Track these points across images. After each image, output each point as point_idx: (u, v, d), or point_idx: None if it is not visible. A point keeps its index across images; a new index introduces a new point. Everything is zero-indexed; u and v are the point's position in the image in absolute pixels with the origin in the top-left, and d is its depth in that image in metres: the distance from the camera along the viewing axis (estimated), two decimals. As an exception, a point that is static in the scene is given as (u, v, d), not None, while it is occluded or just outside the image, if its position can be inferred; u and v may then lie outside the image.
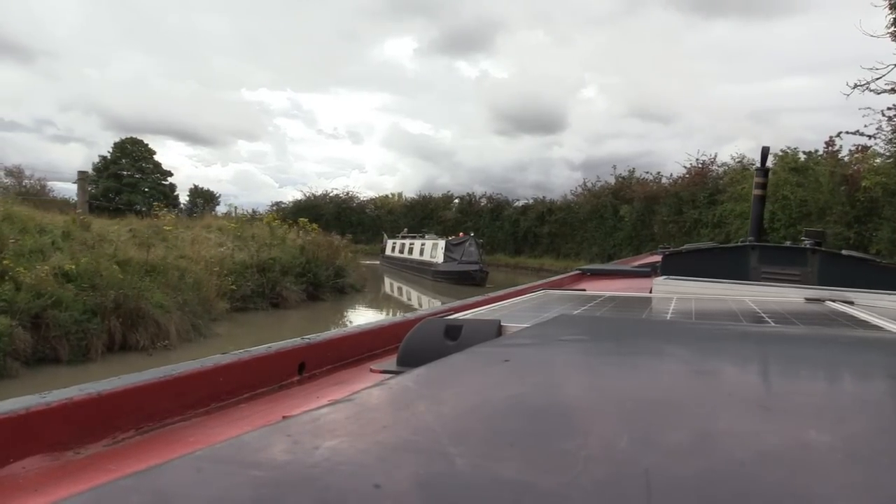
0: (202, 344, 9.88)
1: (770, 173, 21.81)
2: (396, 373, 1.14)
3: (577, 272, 4.40)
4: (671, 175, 30.63)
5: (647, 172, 32.72)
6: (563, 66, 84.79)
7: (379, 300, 19.55)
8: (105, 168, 44.89)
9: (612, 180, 33.57)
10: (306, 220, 18.74)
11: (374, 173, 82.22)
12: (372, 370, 1.27)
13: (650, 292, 2.64)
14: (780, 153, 21.38)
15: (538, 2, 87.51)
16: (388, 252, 32.33)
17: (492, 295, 2.50)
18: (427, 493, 0.34)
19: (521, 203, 39.28)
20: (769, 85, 65.26)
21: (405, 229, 34.45)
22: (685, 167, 29.17)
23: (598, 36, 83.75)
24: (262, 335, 10.07)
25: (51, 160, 70.14)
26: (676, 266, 3.38)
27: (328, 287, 16.56)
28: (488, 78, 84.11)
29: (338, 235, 22.50)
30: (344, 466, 0.37)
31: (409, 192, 45.48)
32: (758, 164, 4.58)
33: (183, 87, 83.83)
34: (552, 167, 58.24)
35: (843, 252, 3.50)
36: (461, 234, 28.34)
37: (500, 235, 38.14)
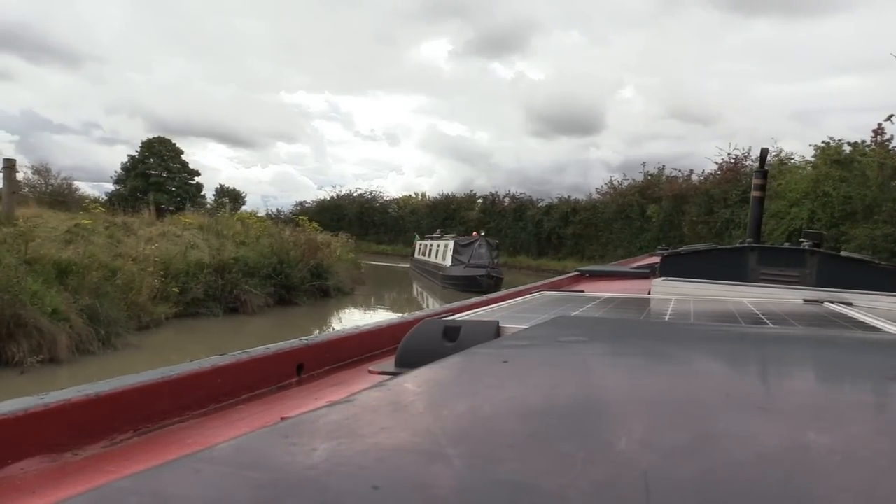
0: (105, 358, 8.51)
1: (811, 167, 19.58)
2: (395, 374, 1.14)
3: (576, 273, 4.41)
4: (703, 172, 28.14)
5: (676, 169, 30.43)
6: (600, 66, 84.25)
7: (364, 305, 17.50)
8: (133, 167, 44.88)
9: (639, 178, 31.40)
10: (306, 217, 18.16)
11: (411, 175, 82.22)
12: (370, 371, 1.27)
13: (649, 293, 2.65)
14: (822, 144, 19.18)
15: (574, 2, 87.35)
16: (415, 254, 29.87)
17: (490, 296, 2.51)
18: (426, 495, 0.34)
19: (544, 202, 37.19)
20: (814, 85, 64.39)
21: (438, 230, 30.69)
22: (716, 163, 26.60)
23: (636, 36, 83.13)
24: (191, 349, 9.25)
25: (98, 161, 72.78)
26: (675, 267, 3.38)
27: (303, 290, 14.91)
28: (524, 79, 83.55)
29: (344, 234, 21.89)
30: (342, 468, 0.37)
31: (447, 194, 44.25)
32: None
33: (224, 90, 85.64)
34: (590, 169, 57.53)
35: (842, 253, 3.51)
36: (475, 233, 25.65)
37: (523, 236, 36.38)
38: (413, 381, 0.60)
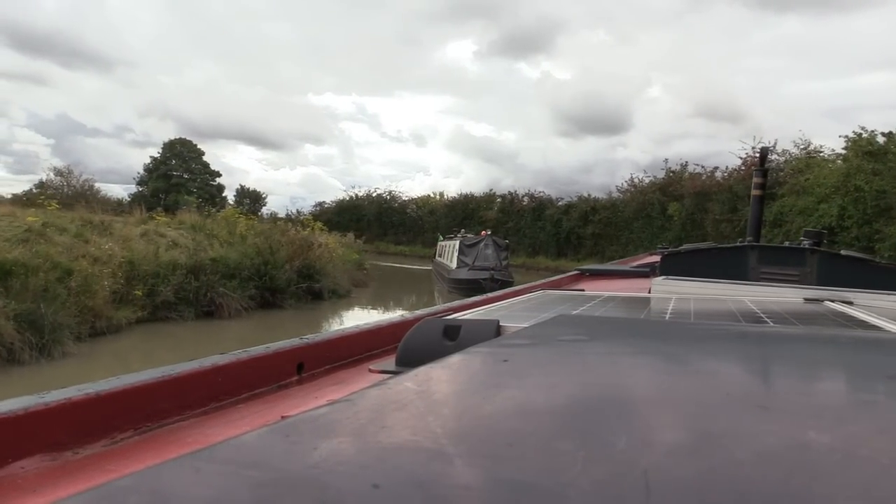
0: (36, 370, 7.77)
1: (841, 160, 18.66)
2: (395, 373, 1.14)
3: (577, 272, 4.41)
4: (727, 168, 26.79)
5: (698, 165, 29.05)
6: (627, 65, 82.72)
7: (358, 308, 16.28)
8: (155, 168, 45.00)
9: (661, 175, 30.04)
10: (310, 217, 17.85)
11: (438, 175, 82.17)
12: (371, 370, 1.27)
13: (649, 292, 2.65)
14: (853, 135, 17.83)
15: (599, 1, 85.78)
16: (436, 256, 27.55)
17: (491, 295, 2.51)
18: (426, 494, 0.34)
19: (564, 201, 35.88)
20: (847, 81, 61.88)
21: (461, 230, 27.84)
22: (740, 158, 25.20)
23: (662, 34, 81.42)
24: (138, 360, 8.63)
25: (130, 164, 74.95)
26: (675, 266, 3.38)
27: (290, 292, 14.09)
28: (550, 79, 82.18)
29: (351, 234, 21.41)
30: (343, 466, 0.37)
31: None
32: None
33: (252, 93, 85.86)
34: (618, 169, 57.65)
35: (842, 252, 3.52)
36: (483, 232, 23.62)
37: (542, 236, 35.24)
38: (413, 380, 0.60)
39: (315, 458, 0.38)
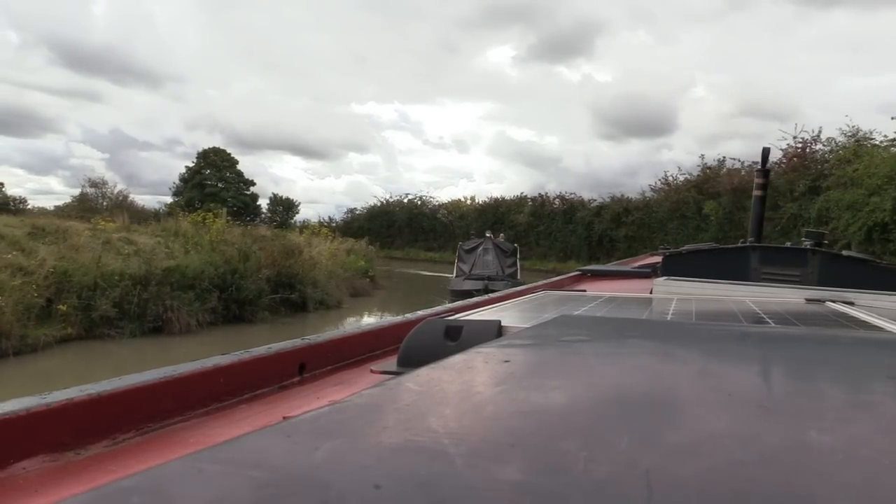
0: None
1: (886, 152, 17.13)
2: (397, 373, 1.14)
3: (578, 273, 4.41)
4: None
5: (736, 160, 26.44)
6: (669, 65, 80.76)
7: (344, 322, 14.22)
8: (190, 178, 44.98)
9: (696, 172, 27.58)
10: (317, 224, 16.78)
11: (481, 181, 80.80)
12: (372, 371, 1.28)
13: (650, 293, 2.65)
14: None
15: (638, 2, 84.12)
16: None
17: (492, 296, 2.51)
18: (427, 494, 0.34)
19: (596, 203, 33.64)
20: None
21: (501, 235, 26.41)
22: (781, 150, 22.62)
23: (705, 33, 79.80)
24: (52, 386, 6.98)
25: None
26: (677, 267, 3.39)
27: (263, 304, 12.59)
28: (591, 81, 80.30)
29: (363, 240, 20.71)
30: (344, 467, 0.37)
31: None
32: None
33: (296, 104, 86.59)
34: (663, 171, 56.35)
35: (844, 252, 3.52)
36: (488, 233, 20.39)
37: (573, 240, 33.24)
38: (415, 381, 0.60)
39: (317, 458, 0.38)
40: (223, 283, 12.09)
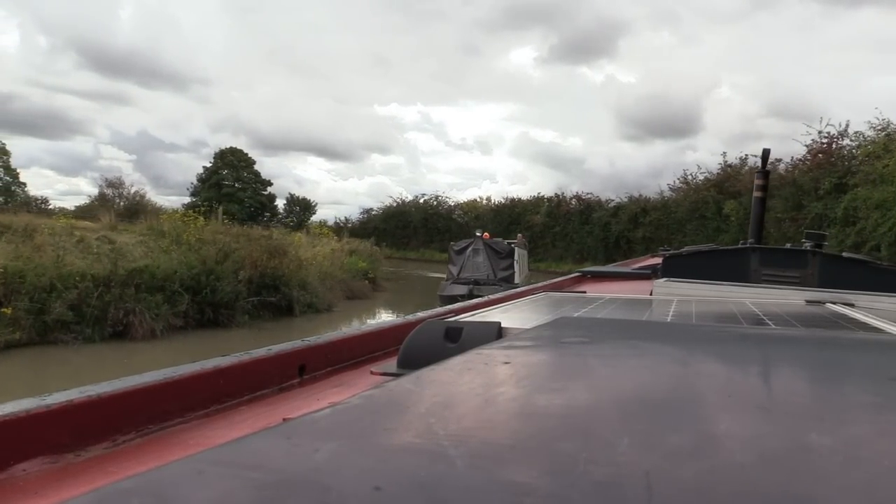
0: None
1: None
2: (397, 375, 1.14)
3: (578, 274, 4.42)
4: (792, 159, 22.81)
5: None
6: (693, 66, 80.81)
7: (332, 327, 12.29)
8: (208, 178, 45.16)
9: (716, 170, 26.73)
10: (318, 225, 16.41)
11: (504, 183, 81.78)
12: (372, 372, 1.27)
13: (651, 294, 2.65)
14: None
15: (661, 2, 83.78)
16: None
17: (492, 297, 2.51)
18: (427, 496, 0.34)
19: (613, 203, 33.27)
20: None
21: (519, 235, 23.75)
22: (805, 146, 21.70)
23: (729, 33, 79.47)
24: None
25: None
26: (677, 268, 3.39)
27: (241, 308, 11.77)
28: (614, 82, 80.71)
29: (369, 241, 20.62)
30: (344, 469, 0.37)
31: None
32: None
33: (320, 105, 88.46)
34: (688, 172, 56.09)
35: (844, 254, 3.53)
36: (486, 234, 18.64)
37: (590, 241, 32.86)
38: (415, 382, 0.60)
39: (316, 460, 0.38)
40: (197, 285, 11.29)
